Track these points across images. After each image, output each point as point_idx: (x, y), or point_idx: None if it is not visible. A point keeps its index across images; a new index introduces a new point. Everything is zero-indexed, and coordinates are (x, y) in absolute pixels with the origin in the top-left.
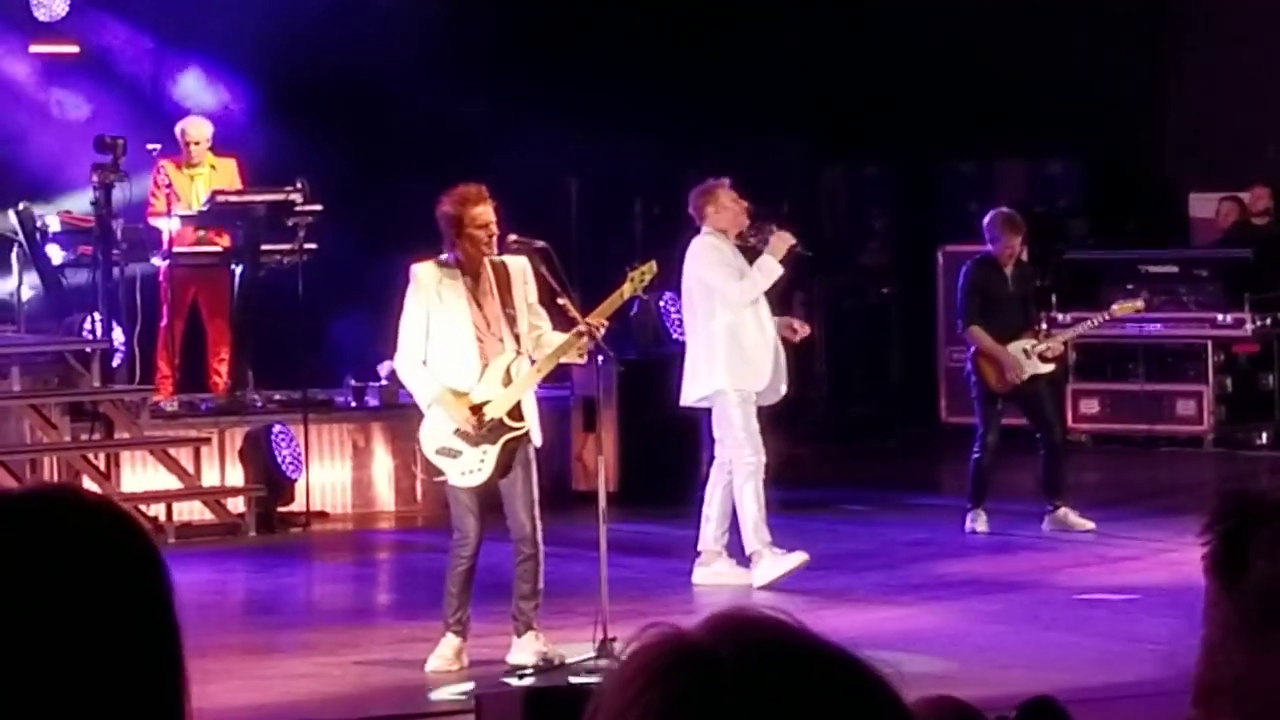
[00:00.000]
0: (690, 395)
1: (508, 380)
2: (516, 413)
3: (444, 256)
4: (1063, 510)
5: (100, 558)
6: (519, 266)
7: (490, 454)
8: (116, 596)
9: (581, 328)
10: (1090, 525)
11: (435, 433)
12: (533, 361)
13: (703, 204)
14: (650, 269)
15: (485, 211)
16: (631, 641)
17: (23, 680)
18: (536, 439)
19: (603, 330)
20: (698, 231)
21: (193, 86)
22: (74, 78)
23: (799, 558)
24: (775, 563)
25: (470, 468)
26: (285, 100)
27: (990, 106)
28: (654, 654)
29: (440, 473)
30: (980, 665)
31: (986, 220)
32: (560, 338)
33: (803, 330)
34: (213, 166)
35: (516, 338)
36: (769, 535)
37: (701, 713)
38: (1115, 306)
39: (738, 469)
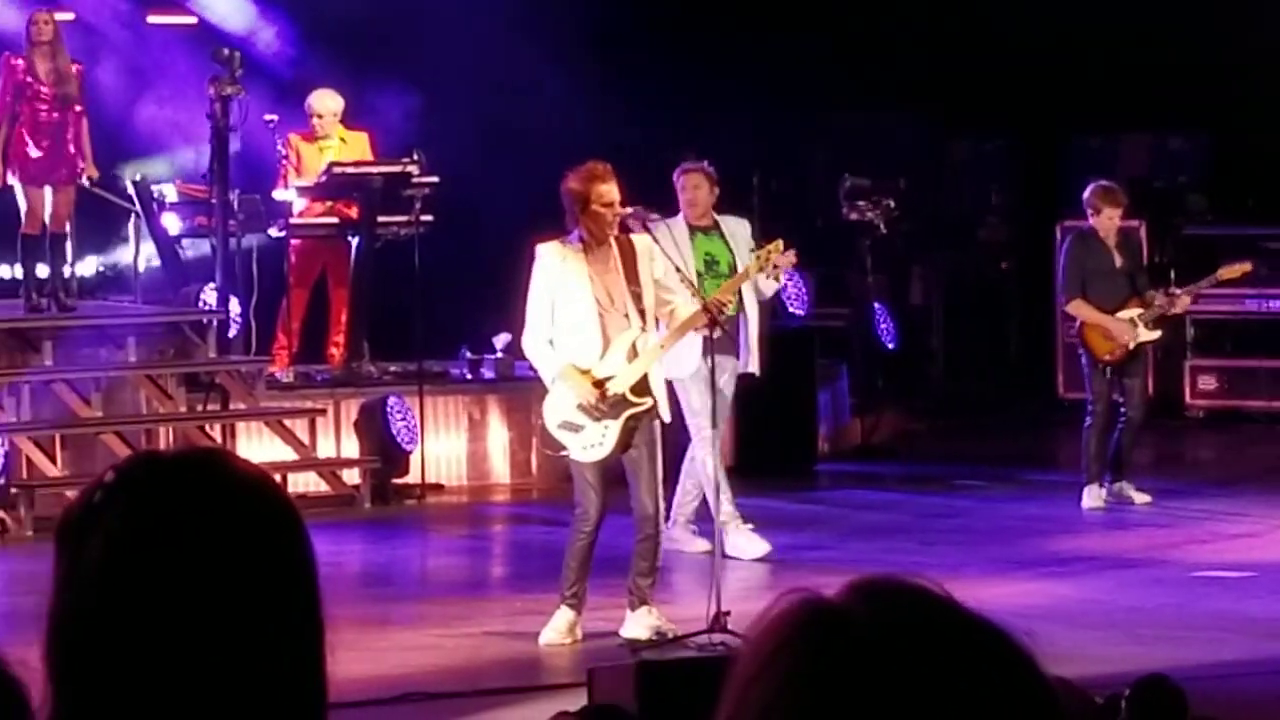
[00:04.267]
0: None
1: (633, 356)
2: (641, 388)
3: (568, 236)
4: (1120, 484)
5: (250, 519)
6: (645, 244)
7: (612, 429)
8: (266, 557)
9: (701, 306)
10: (1148, 499)
11: (558, 406)
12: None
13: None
14: (776, 248)
15: (610, 190)
16: (769, 605)
17: (169, 636)
18: (664, 415)
19: (729, 307)
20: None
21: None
22: (191, 48)
23: (704, 545)
24: (692, 542)
25: (591, 442)
26: (409, 75)
27: (1113, 81)
28: (788, 615)
29: (561, 447)
30: (1094, 642)
31: (1086, 193)
32: (689, 313)
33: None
34: (343, 140)
35: (642, 314)
36: (692, 513)
37: (833, 671)
38: (1221, 270)
39: (696, 442)
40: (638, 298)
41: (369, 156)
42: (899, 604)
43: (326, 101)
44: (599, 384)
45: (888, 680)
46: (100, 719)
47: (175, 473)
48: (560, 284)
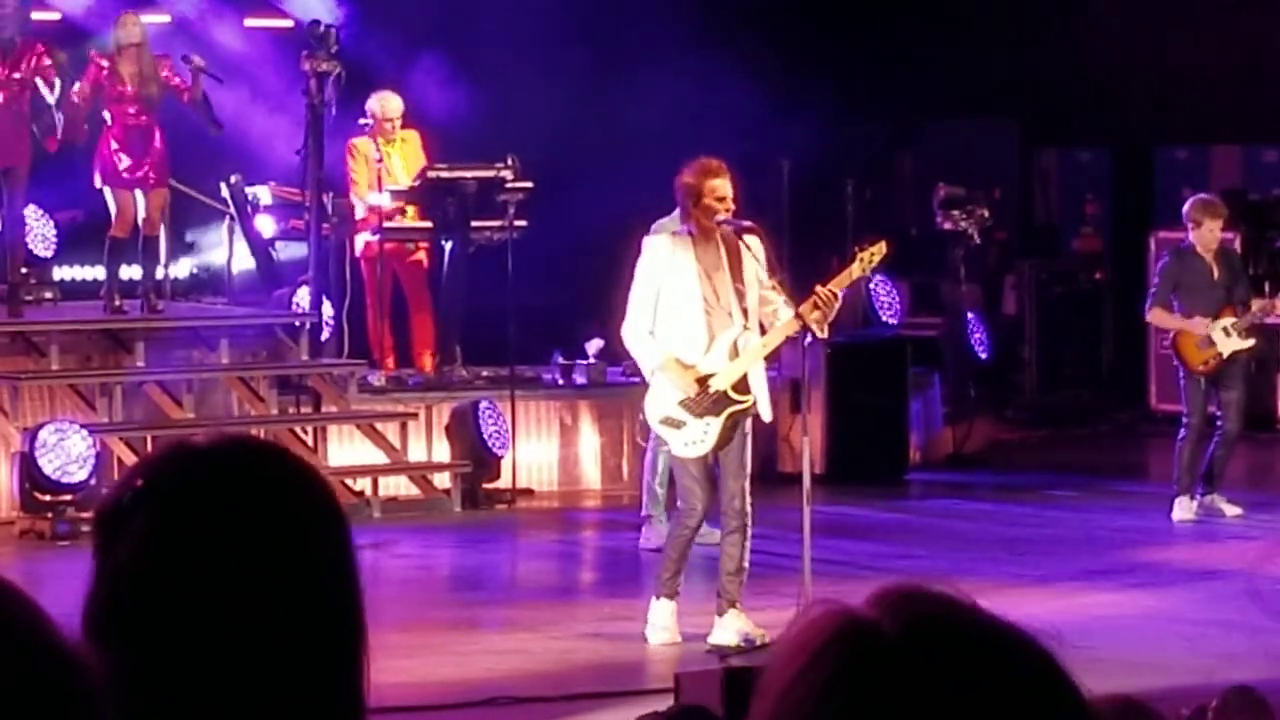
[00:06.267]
0: None
1: (734, 354)
2: (742, 386)
3: (678, 229)
4: (1211, 496)
5: (281, 518)
6: (754, 244)
7: (714, 426)
8: (298, 558)
9: (794, 314)
10: (1239, 511)
11: (660, 403)
12: (764, 331)
13: None
14: (880, 249)
15: (724, 184)
16: (796, 617)
17: (206, 625)
18: (765, 414)
19: (838, 302)
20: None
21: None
22: (286, 51)
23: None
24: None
25: (694, 439)
26: (497, 74)
27: (1206, 92)
28: (818, 629)
29: (663, 442)
30: (1183, 653)
31: (1185, 208)
32: (790, 315)
33: None
34: (403, 140)
35: (745, 312)
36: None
37: (866, 688)
38: None
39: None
40: (741, 296)
41: (420, 155)
42: (927, 614)
43: (394, 103)
44: (701, 380)
45: (919, 692)
46: (131, 716)
47: (204, 470)
48: (667, 276)
